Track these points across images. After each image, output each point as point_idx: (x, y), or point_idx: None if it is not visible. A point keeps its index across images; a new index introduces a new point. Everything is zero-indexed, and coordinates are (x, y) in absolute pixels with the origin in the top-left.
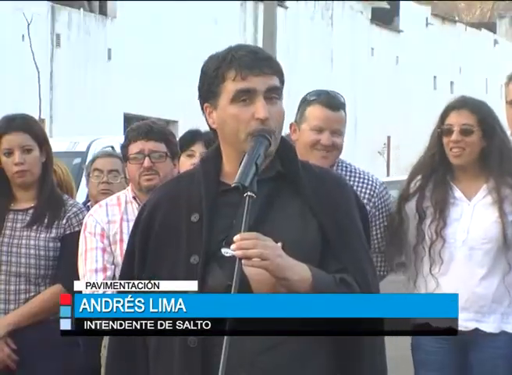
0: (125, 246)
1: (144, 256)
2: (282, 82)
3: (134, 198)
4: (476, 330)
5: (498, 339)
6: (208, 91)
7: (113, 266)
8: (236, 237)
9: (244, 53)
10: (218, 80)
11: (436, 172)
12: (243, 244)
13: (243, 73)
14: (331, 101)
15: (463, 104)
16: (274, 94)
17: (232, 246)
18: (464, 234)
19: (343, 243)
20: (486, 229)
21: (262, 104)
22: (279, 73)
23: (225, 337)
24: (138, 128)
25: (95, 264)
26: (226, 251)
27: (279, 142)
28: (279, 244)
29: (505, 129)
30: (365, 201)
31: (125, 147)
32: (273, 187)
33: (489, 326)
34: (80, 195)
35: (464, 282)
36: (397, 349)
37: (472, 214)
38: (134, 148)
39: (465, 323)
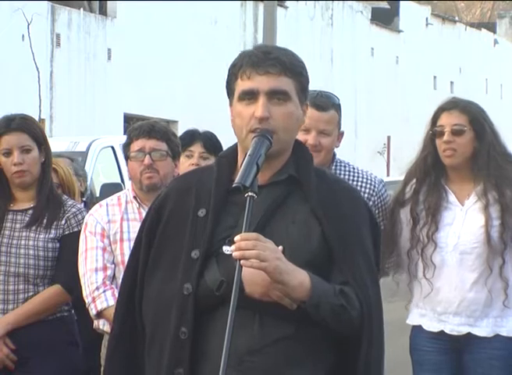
0: (125, 246)
1: (150, 242)
2: (300, 84)
3: (135, 197)
4: (469, 334)
5: (493, 341)
6: (228, 88)
7: (113, 265)
8: (236, 238)
9: (257, 52)
10: (234, 78)
11: (429, 175)
12: (242, 245)
13: (248, 72)
14: (318, 102)
15: (453, 105)
16: (279, 96)
17: (232, 246)
18: (455, 239)
19: (345, 255)
20: (476, 233)
21: (262, 103)
22: (291, 73)
23: (227, 333)
24: (140, 127)
25: (95, 263)
26: (227, 249)
27: (296, 146)
28: (280, 248)
29: (496, 131)
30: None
31: (126, 145)
32: (283, 191)
33: (482, 330)
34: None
35: (456, 287)
36: (395, 351)
37: (464, 219)
38: (135, 146)
39: (458, 327)
